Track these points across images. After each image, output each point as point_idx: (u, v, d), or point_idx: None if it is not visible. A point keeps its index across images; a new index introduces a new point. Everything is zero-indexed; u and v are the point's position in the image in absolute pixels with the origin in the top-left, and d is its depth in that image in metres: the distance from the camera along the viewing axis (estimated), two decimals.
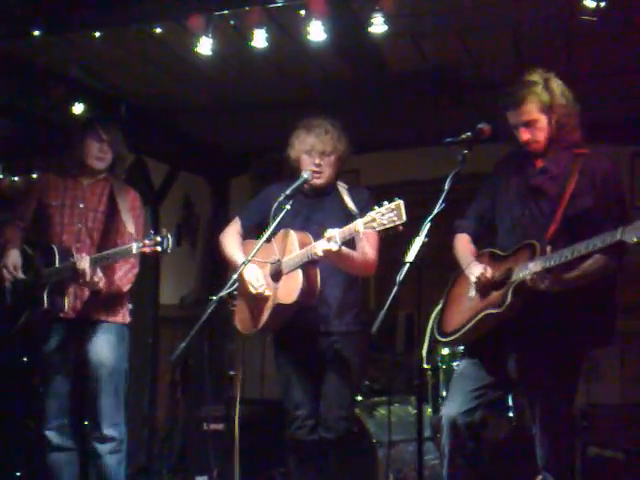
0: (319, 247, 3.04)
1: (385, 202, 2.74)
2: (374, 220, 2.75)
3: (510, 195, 2.99)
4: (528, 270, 2.72)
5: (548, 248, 2.70)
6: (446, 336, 3.05)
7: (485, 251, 3.07)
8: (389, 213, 2.71)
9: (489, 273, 2.89)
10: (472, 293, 2.98)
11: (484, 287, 2.91)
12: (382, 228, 2.73)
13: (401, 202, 2.70)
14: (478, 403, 2.93)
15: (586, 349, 2.92)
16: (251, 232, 3.56)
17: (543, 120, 2.84)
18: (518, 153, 3.01)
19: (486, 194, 3.13)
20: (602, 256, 2.69)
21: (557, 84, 2.87)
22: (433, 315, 3.29)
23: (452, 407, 2.97)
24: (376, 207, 2.77)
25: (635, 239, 2.44)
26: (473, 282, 2.93)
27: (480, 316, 2.87)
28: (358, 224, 2.86)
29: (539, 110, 2.83)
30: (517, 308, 2.78)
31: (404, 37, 3.79)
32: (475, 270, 2.93)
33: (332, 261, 3.16)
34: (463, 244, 3.12)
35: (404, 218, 2.68)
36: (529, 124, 2.85)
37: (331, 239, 2.98)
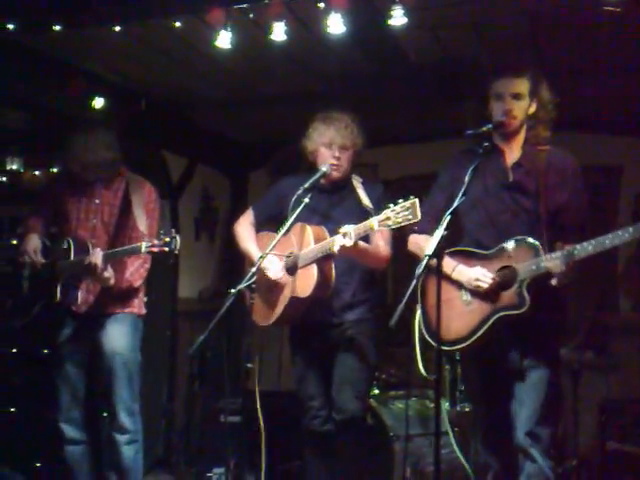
0: (336, 243, 3.06)
1: (400, 200, 2.76)
2: (389, 218, 2.79)
3: (476, 190, 2.92)
4: (546, 267, 2.71)
5: (559, 243, 2.72)
6: (451, 344, 2.93)
7: (456, 249, 3.00)
8: (404, 211, 2.74)
9: (496, 278, 2.85)
10: (467, 297, 2.93)
11: (487, 290, 2.86)
12: (397, 226, 2.78)
13: (416, 200, 2.72)
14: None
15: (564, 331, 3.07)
16: (265, 224, 3.57)
17: (526, 101, 2.93)
18: (474, 151, 2.94)
19: (443, 192, 3.05)
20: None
21: (545, 85, 2.97)
22: (416, 324, 3.16)
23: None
24: (391, 205, 2.79)
25: None
26: (478, 288, 2.86)
27: (494, 319, 2.83)
28: (373, 222, 2.89)
29: (527, 89, 2.92)
30: (534, 306, 2.77)
31: (423, 29, 3.77)
32: (480, 276, 2.86)
33: (348, 256, 3.18)
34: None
35: (419, 216, 2.71)
36: (517, 97, 2.92)
37: (346, 235, 3.01)
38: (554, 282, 2.73)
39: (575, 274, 2.72)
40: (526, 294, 2.75)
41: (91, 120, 3.77)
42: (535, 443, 2.81)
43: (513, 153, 2.97)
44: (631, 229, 2.55)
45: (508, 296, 2.81)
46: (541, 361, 2.87)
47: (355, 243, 3.02)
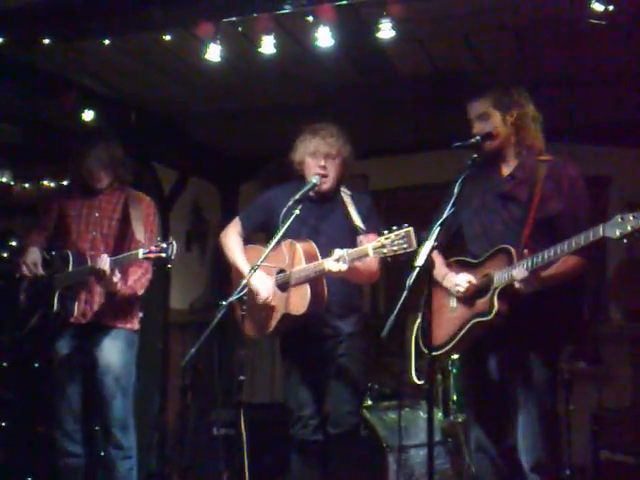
0: (329, 267, 3.06)
1: (394, 227, 2.79)
2: (384, 246, 2.81)
3: (475, 202, 3.01)
4: (512, 275, 2.74)
5: (525, 251, 2.74)
6: (436, 350, 2.98)
7: (452, 260, 3.09)
8: (399, 240, 2.77)
9: (474, 282, 2.91)
10: (453, 304, 3.00)
11: (467, 296, 2.92)
12: (392, 254, 2.79)
13: (411, 229, 2.75)
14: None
15: (560, 345, 3.02)
16: (252, 234, 3.58)
17: (496, 116, 2.93)
18: (479, 164, 2.99)
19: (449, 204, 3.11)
20: (572, 256, 2.72)
21: (518, 90, 2.96)
22: (414, 330, 3.24)
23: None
24: (386, 232, 2.82)
25: (618, 233, 2.44)
26: (458, 292, 2.94)
27: (469, 325, 2.88)
28: (368, 249, 2.90)
29: (493, 105, 2.93)
30: (503, 313, 2.80)
31: (411, 42, 3.80)
32: (459, 280, 2.94)
33: (341, 277, 3.19)
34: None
35: (415, 245, 2.73)
36: (482, 117, 2.94)
37: (339, 259, 3.02)
38: (518, 287, 2.73)
39: (540, 283, 2.73)
40: (495, 301, 2.78)
41: (106, 132, 3.77)
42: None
43: (509, 164, 2.98)
44: (590, 234, 2.54)
45: (482, 303, 2.86)
46: (527, 372, 2.84)
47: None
